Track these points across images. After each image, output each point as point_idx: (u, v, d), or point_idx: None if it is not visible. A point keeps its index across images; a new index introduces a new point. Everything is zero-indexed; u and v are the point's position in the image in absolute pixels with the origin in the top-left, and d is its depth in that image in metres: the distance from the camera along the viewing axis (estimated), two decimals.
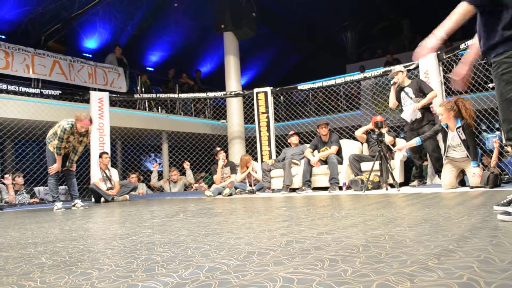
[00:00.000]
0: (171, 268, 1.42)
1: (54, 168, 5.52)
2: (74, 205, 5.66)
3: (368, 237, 1.80)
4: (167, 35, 14.78)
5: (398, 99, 6.11)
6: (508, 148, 5.61)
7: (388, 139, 6.14)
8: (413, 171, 6.24)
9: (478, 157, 4.79)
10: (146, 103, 10.99)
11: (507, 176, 5.72)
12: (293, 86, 8.63)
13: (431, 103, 5.84)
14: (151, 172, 9.54)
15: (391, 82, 6.20)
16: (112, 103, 8.85)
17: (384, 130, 6.14)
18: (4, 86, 7.53)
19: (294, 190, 6.67)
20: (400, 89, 6.03)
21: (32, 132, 8.10)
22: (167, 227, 2.65)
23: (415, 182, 6.00)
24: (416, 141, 5.14)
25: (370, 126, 6.31)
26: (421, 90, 5.79)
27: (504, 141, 5.64)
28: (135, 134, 10.39)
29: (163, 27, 14.34)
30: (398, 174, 5.98)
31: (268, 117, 8.36)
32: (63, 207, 5.47)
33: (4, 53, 8.31)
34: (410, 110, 5.76)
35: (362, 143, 6.84)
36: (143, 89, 11.22)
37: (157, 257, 1.63)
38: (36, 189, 8.07)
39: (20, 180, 7.45)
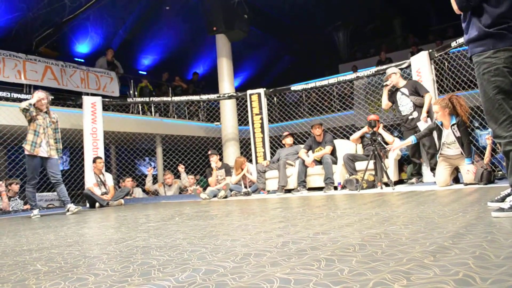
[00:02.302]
0: (168, 271, 1.41)
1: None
2: (67, 210, 5.61)
3: (364, 236, 1.81)
4: (160, 38, 14.75)
5: (393, 99, 6.12)
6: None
7: (390, 139, 6.14)
8: (411, 168, 6.24)
9: (472, 154, 4.82)
10: (140, 106, 10.96)
11: (500, 173, 5.76)
12: (286, 87, 8.65)
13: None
14: (146, 176, 9.51)
15: (384, 83, 6.22)
16: (105, 108, 8.81)
17: (381, 130, 6.16)
18: None
19: (289, 191, 6.67)
20: (396, 90, 6.05)
21: (25, 139, 8.04)
22: (163, 231, 2.64)
23: (414, 180, 6.03)
24: (411, 140, 5.15)
25: (365, 129, 6.33)
26: (416, 91, 5.80)
27: None
28: (129, 138, 10.36)
29: (155, 31, 14.31)
30: (392, 172, 6.00)
31: (262, 119, 8.36)
32: (39, 215, 5.45)
33: None
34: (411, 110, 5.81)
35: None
36: (135, 93, 11.20)
37: (153, 261, 1.62)
38: None
39: (16, 187, 7.41)
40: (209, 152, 7.64)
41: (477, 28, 2.20)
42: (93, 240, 2.58)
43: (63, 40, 12.24)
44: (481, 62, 2.20)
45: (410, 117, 5.84)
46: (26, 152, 5.47)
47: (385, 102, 6.26)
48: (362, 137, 6.53)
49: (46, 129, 5.61)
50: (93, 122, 8.05)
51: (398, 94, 6.00)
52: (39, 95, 5.63)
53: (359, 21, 17.06)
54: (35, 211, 5.44)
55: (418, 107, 5.74)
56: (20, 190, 7.85)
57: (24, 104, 5.43)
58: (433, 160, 5.59)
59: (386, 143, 6.06)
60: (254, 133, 8.39)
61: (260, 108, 8.39)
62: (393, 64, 6.50)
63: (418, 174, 6.11)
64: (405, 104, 5.90)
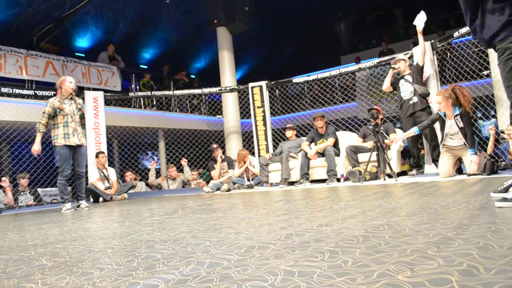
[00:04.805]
0: (172, 265, 1.42)
1: (35, 149, 5.21)
2: (78, 206, 5.60)
3: (367, 228, 1.81)
4: (160, 32, 14.71)
5: (396, 86, 6.16)
6: (505, 135, 5.63)
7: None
8: (410, 160, 6.25)
9: (475, 145, 4.81)
10: (142, 101, 10.96)
11: (503, 163, 5.74)
12: (288, 80, 8.62)
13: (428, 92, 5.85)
14: (149, 170, 9.53)
15: (391, 65, 6.25)
16: (107, 102, 8.82)
17: (387, 131, 6.14)
18: None
19: (292, 183, 6.68)
20: (400, 77, 6.10)
21: (27, 134, 8.06)
22: (167, 224, 2.65)
23: (414, 171, 6.02)
24: (414, 131, 5.12)
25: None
26: (418, 71, 5.88)
27: (499, 128, 5.67)
28: (131, 132, 10.37)
29: (156, 24, 14.27)
30: (395, 164, 5.99)
31: (264, 111, 8.35)
32: (72, 208, 5.29)
33: None
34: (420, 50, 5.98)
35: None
36: (138, 87, 11.19)
37: (157, 255, 1.63)
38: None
39: (24, 181, 7.47)
40: (214, 146, 7.64)
41: (501, 19, 2.08)
42: (97, 234, 2.59)
43: (64, 35, 12.23)
44: (504, 47, 2.09)
45: (410, 102, 5.88)
46: (57, 144, 5.26)
47: (386, 84, 6.32)
48: (365, 131, 6.52)
49: (74, 116, 5.41)
50: (95, 117, 8.05)
51: (402, 81, 6.06)
52: (65, 78, 5.43)
53: (361, 12, 16.95)
54: (68, 205, 5.26)
55: (420, 96, 5.75)
56: (31, 186, 7.93)
57: (44, 120, 5.24)
58: (435, 152, 5.57)
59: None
60: (256, 126, 8.39)
61: (262, 101, 8.37)
62: (403, 54, 6.49)
63: (418, 166, 6.10)
64: (407, 90, 5.98)
